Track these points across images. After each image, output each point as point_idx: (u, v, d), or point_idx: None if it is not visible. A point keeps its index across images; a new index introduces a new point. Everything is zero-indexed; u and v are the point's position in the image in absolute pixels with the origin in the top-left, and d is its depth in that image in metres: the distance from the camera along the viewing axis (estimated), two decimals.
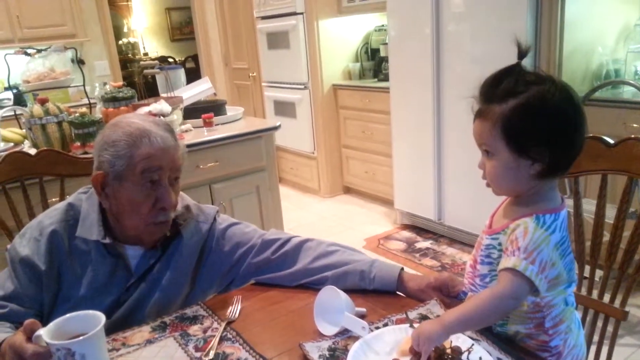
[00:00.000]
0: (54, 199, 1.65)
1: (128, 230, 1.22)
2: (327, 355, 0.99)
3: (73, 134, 2.24)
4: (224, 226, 1.37)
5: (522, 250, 0.91)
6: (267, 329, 1.13)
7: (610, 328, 1.32)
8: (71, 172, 1.67)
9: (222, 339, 1.08)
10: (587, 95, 2.46)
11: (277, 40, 4.56)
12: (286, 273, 1.31)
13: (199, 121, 2.63)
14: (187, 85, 2.93)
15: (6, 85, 4.25)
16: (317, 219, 4.16)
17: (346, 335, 1.05)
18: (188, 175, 2.23)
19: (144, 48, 9.16)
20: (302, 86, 4.43)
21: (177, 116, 2.47)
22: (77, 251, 1.22)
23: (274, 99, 4.87)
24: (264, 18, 4.67)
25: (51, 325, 0.93)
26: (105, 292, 1.22)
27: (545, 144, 0.91)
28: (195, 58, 7.19)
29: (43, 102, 2.24)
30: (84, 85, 3.47)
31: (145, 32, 9.17)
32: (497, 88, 0.93)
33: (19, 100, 4.05)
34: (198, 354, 1.04)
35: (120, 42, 8.49)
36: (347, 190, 4.65)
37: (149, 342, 1.10)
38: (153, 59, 8.30)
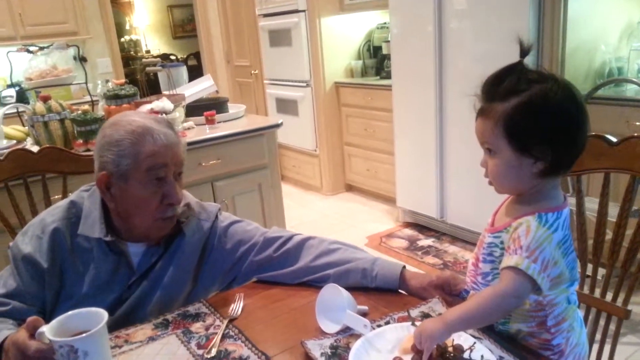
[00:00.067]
0: (56, 196, 1.65)
1: (136, 228, 1.22)
2: (329, 353, 0.99)
3: (75, 132, 2.24)
4: (226, 224, 1.37)
5: (525, 249, 0.91)
6: (269, 327, 1.14)
7: (612, 327, 1.32)
8: (73, 170, 1.67)
9: (224, 337, 1.09)
10: (589, 93, 2.45)
11: (279, 38, 4.55)
12: (288, 271, 1.31)
13: (201, 119, 2.63)
14: (189, 82, 2.94)
15: (9, 82, 4.26)
16: (319, 216, 4.16)
17: (348, 333, 1.05)
18: (190, 172, 2.24)
19: (146, 45, 9.16)
20: (304, 84, 4.42)
21: (180, 114, 2.48)
22: (80, 249, 1.22)
23: (276, 96, 4.86)
24: (266, 15, 4.66)
25: (54, 322, 0.93)
26: (108, 289, 1.22)
27: (547, 142, 0.91)
28: (197, 55, 7.19)
29: (45, 99, 2.25)
30: (86, 83, 3.48)
31: (148, 30, 9.17)
32: (499, 86, 0.93)
33: (22, 97, 4.06)
34: (200, 352, 1.04)
35: (122, 39, 8.49)
36: (349, 188, 4.64)
37: (151, 339, 1.10)
38: (155, 57, 8.30)
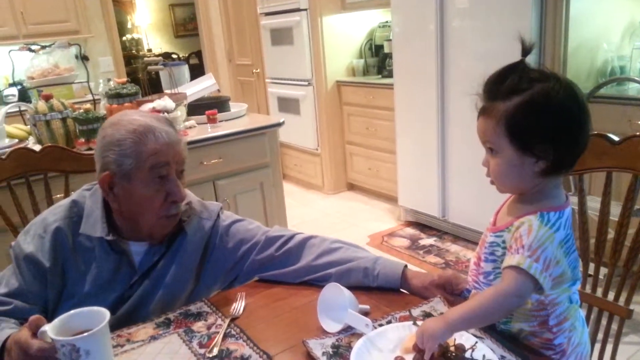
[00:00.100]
0: (58, 195, 1.66)
1: (140, 227, 1.22)
2: (331, 352, 0.99)
3: (77, 130, 2.24)
4: (228, 223, 1.37)
5: (527, 248, 0.91)
6: (270, 326, 1.14)
7: (614, 326, 1.31)
8: (75, 169, 1.67)
9: (226, 336, 1.09)
10: (592, 92, 2.45)
11: (281, 37, 4.55)
12: (290, 270, 1.31)
13: (203, 117, 2.63)
14: (190, 81, 2.94)
15: (11, 81, 4.27)
16: (320, 215, 4.16)
17: (350, 332, 1.05)
18: (192, 171, 2.24)
19: (147, 44, 9.17)
20: (306, 82, 4.42)
21: (181, 112, 2.48)
22: (81, 248, 1.22)
23: (278, 95, 4.86)
24: (267, 14, 4.66)
25: (56, 321, 0.93)
26: (110, 288, 1.23)
27: (549, 141, 0.90)
28: (199, 54, 7.20)
29: (47, 98, 2.25)
30: (88, 82, 3.48)
31: (149, 29, 9.17)
32: (501, 85, 0.93)
33: (24, 96, 4.06)
34: (202, 351, 1.04)
35: (124, 38, 8.49)
36: (351, 187, 4.64)
37: (153, 338, 1.10)
38: (157, 55, 8.32)
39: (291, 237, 1.35)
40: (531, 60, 0.94)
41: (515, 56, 0.94)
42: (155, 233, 1.25)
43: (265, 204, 2.67)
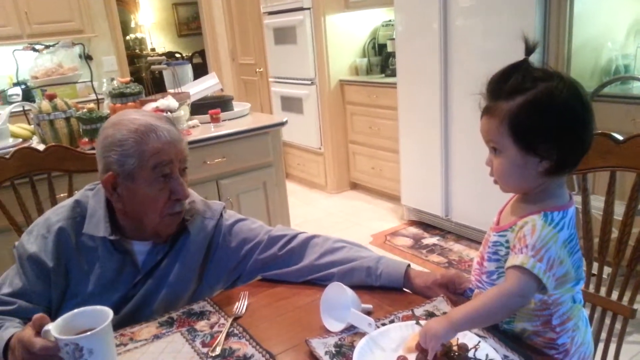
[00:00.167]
0: (62, 195, 1.66)
1: (145, 226, 1.22)
2: (334, 352, 0.99)
3: (81, 130, 2.25)
4: (231, 222, 1.37)
5: (530, 248, 0.91)
6: (273, 325, 1.14)
7: (618, 326, 1.31)
8: (79, 168, 1.68)
9: (228, 335, 1.09)
10: (596, 90, 2.44)
11: (284, 36, 4.55)
12: (293, 269, 1.31)
13: (206, 117, 2.64)
14: (194, 80, 2.94)
15: (15, 81, 4.28)
16: (323, 214, 4.16)
17: (352, 331, 1.05)
18: (195, 170, 2.24)
19: (151, 44, 9.18)
20: (309, 82, 4.42)
21: (184, 112, 2.48)
22: (85, 248, 1.23)
23: (281, 94, 4.86)
24: (270, 13, 4.66)
25: (59, 320, 0.94)
26: (113, 288, 1.23)
27: (553, 141, 0.90)
28: (202, 53, 7.20)
29: (51, 97, 2.25)
30: (91, 81, 3.48)
31: (153, 28, 9.19)
32: (504, 84, 0.92)
33: (27, 96, 4.08)
34: (205, 350, 1.04)
35: (127, 37, 8.51)
36: (354, 186, 4.64)
37: (156, 337, 1.10)
38: (160, 55, 8.34)
39: (294, 237, 1.35)
40: (535, 59, 0.94)
41: (518, 55, 0.94)
42: (159, 232, 1.25)
43: (268, 203, 2.68)
